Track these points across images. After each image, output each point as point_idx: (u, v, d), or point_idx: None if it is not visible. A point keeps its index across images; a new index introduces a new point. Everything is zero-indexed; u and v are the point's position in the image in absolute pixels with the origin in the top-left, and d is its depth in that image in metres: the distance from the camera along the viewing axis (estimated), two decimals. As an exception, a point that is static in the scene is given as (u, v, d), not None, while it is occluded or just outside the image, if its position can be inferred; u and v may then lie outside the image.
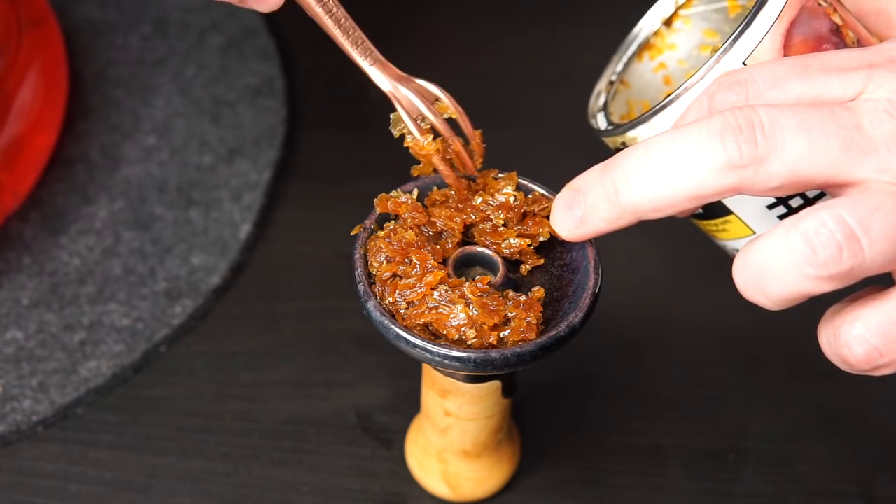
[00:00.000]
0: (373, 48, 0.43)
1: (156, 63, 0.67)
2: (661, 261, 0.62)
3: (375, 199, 0.43)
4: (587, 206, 0.39)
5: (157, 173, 0.63)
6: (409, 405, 0.55)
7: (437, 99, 0.43)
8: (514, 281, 0.43)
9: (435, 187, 0.44)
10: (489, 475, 0.52)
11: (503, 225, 0.43)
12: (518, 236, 0.43)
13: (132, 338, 0.57)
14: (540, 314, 0.41)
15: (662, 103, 0.41)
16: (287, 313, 0.59)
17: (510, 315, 0.41)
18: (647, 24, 0.48)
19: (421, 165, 0.44)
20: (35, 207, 0.61)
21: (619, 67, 0.48)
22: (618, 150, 0.44)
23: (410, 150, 0.43)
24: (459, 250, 0.43)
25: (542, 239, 0.43)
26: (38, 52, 0.62)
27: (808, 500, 0.53)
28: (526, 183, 0.45)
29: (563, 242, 0.44)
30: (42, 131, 0.61)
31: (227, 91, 0.66)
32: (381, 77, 0.43)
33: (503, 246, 0.43)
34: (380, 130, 0.67)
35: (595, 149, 0.61)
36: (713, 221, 0.44)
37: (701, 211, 0.44)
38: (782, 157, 0.36)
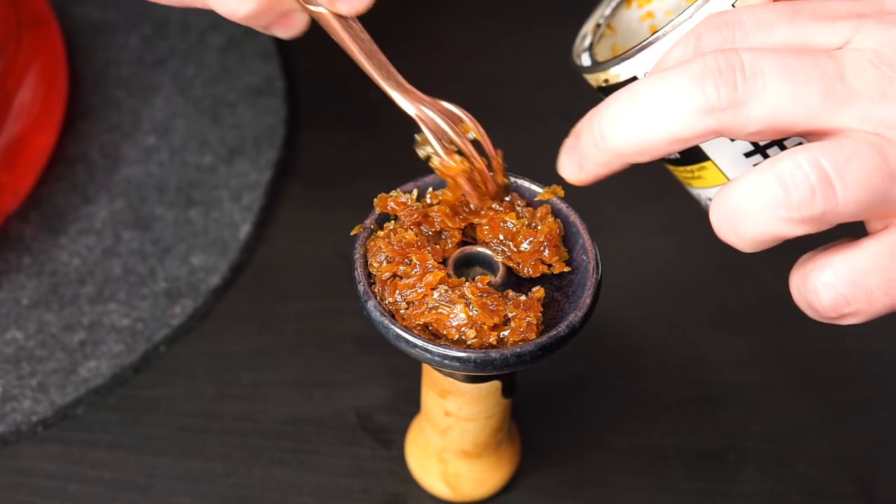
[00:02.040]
0: (396, 73, 0.44)
1: (156, 63, 0.67)
2: (661, 261, 0.62)
3: (375, 199, 0.43)
4: (582, 152, 0.39)
5: (157, 173, 0.63)
6: (409, 405, 0.55)
7: (461, 121, 0.44)
8: (514, 281, 0.43)
9: (431, 188, 0.44)
10: (489, 475, 0.52)
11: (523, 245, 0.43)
12: (537, 261, 0.43)
13: (132, 338, 0.57)
14: (540, 314, 0.41)
15: (648, 40, 0.41)
16: (287, 313, 0.59)
17: (510, 315, 0.41)
18: None
19: (447, 187, 0.44)
20: (35, 207, 0.61)
21: (608, 11, 0.48)
22: (600, 88, 0.44)
23: (436, 171, 0.43)
24: (459, 250, 0.43)
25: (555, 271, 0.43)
26: (38, 52, 0.62)
27: (808, 500, 0.53)
28: (526, 184, 0.45)
29: (564, 243, 0.44)
30: (42, 131, 0.61)
31: (227, 91, 0.66)
32: (406, 102, 0.43)
33: (521, 267, 0.43)
34: (380, 130, 0.67)
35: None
36: (689, 167, 0.44)
37: (678, 156, 0.44)
38: (762, 101, 0.36)
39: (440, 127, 0.43)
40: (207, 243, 0.60)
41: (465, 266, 0.43)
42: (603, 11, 0.48)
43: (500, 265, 0.43)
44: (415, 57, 0.71)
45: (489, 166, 0.43)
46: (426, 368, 0.47)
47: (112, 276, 0.59)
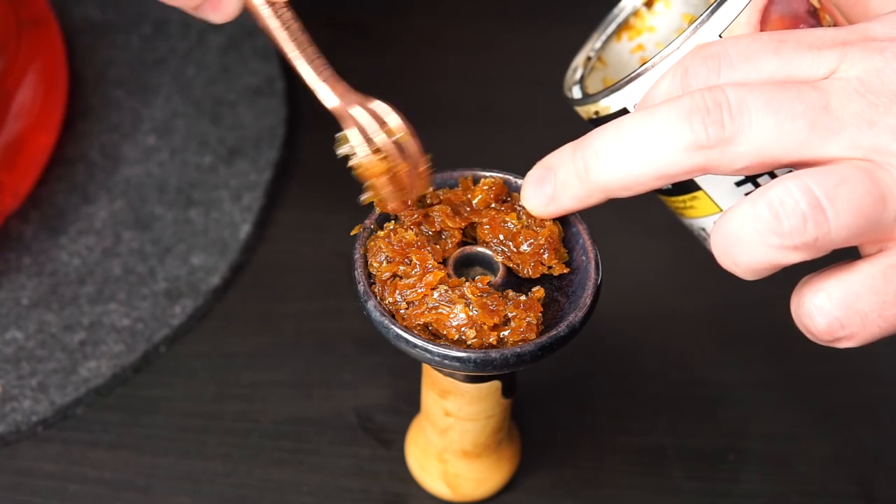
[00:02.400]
0: (328, 67, 0.43)
1: (156, 63, 0.67)
2: (661, 261, 0.62)
3: (376, 200, 0.43)
4: (558, 184, 0.39)
5: (157, 173, 0.63)
6: (409, 405, 0.55)
7: (385, 122, 0.42)
8: (514, 281, 0.43)
9: (432, 188, 0.44)
10: (489, 475, 0.52)
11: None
12: (536, 262, 0.43)
13: (132, 338, 0.57)
14: (540, 314, 0.41)
15: (637, 71, 0.41)
16: (287, 313, 0.59)
17: (510, 315, 0.41)
18: (628, 3, 0.48)
19: (370, 186, 0.43)
20: (35, 207, 0.61)
21: (598, 45, 0.48)
22: (591, 120, 0.44)
23: (354, 171, 0.43)
24: (459, 250, 0.43)
25: (556, 273, 0.43)
26: (38, 52, 0.62)
27: (808, 500, 0.53)
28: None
29: (564, 243, 0.44)
30: (42, 131, 0.61)
31: (227, 91, 0.66)
32: (329, 94, 0.42)
33: (520, 268, 0.43)
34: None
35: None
36: (681, 198, 0.44)
37: (669, 186, 0.44)
38: (749, 138, 0.36)
39: (361, 125, 0.42)
40: (207, 243, 0.60)
41: (465, 266, 0.43)
42: (593, 44, 0.48)
43: (500, 265, 0.43)
44: (415, 57, 0.71)
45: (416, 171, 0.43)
46: (426, 368, 0.47)
47: (112, 276, 0.59)
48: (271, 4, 0.42)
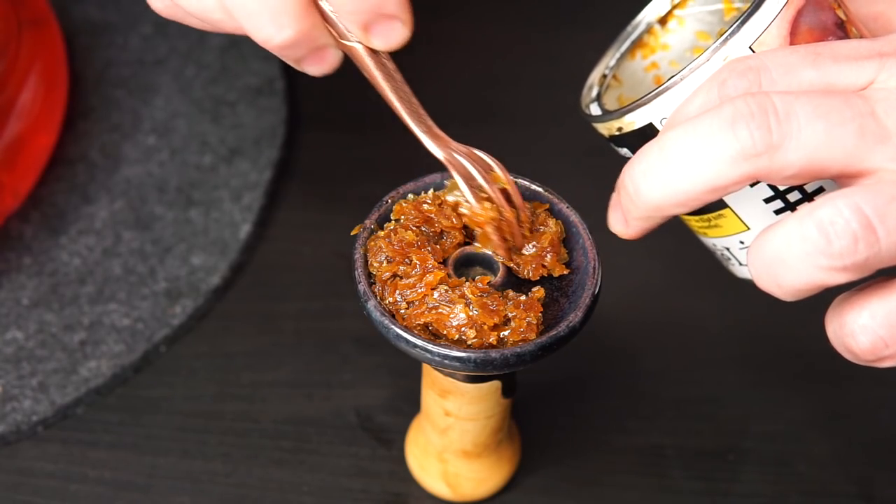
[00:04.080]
0: (426, 116, 0.43)
1: (156, 63, 0.67)
2: (661, 261, 0.62)
3: (395, 206, 0.43)
4: (623, 208, 0.38)
5: (157, 173, 0.63)
6: (409, 405, 0.55)
7: (491, 169, 0.43)
8: (514, 281, 0.43)
9: (432, 188, 0.44)
10: (489, 475, 0.52)
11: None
12: (537, 264, 0.43)
13: (132, 338, 0.57)
14: (540, 314, 0.41)
15: (665, 85, 0.40)
16: (287, 313, 0.59)
17: (510, 315, 0.41)
18: (642, 21, 0.48)
19: (479, 235, 0.43)
20: (35, 207, 0.61)
21: (612, 62, 0.47)
22: (612, 137, 0.43)
23: (464, 219, 0.43)
24: (459, 250, 0.43)
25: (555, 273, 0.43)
26: (38, 52, 0.62)
27: (808, 500, 0.53)
28: (526, 184, 0.45)
29: (564, 244, 0.44)
30: (42, 131, 0.61)
31: (227, 91, 0.66)
32: (435, 146, 0.42)
33: (522, 269, 0.43)
34: (380, 130, 0.67)
35: (595, 151, 0.61)
36: (706, 216, 0.44)
37: None
38: (798, 143, 0.35)
39: (470, 173, 0.42)
40: (207, 243, 0.60)
41: (465, 266, 0.44)
42: (608, 62, 0.47)
43: (500, 265, 0.43)
44: (415, 57, 0.71)
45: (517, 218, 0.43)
46: (426, 368, 0.47)
47: (112, 276, 0.59)
48: (374, 55, 0.42)
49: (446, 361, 0.40)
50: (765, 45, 0.39)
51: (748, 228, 0.43)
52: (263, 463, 0.54)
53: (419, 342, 0.40)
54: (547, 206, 0.44)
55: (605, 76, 0.47)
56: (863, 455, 0.55)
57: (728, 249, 0.44)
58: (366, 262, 0.43)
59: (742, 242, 0.43)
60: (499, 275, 0.43)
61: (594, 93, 0.46)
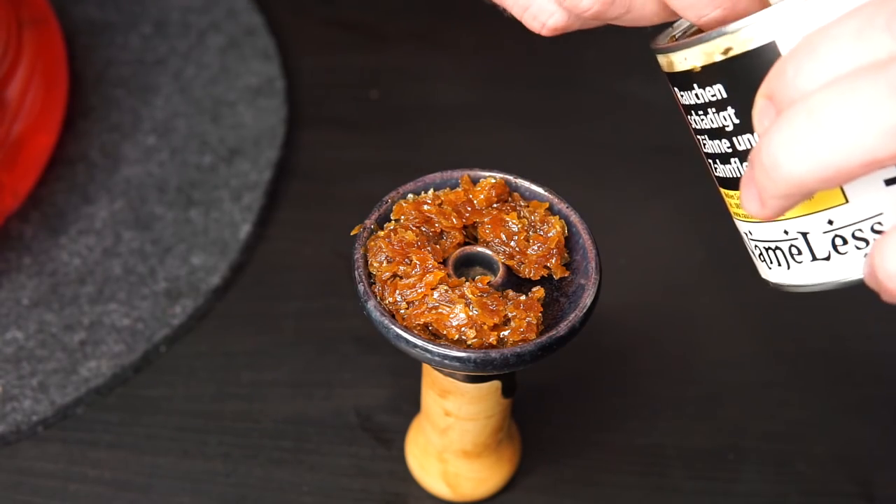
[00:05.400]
0: None
1: (156, 63, 0.67)
2: (662, 261, 0.62)
3: (395, 206, 0.43)
4: (758, 185, 0.33)
5: (157, 173, 0.63)
6: (409, 405, 0.55)
7: None
8: (514, 281, 0.43)
9: (432, 188, 0.45)
10: (489, 475, 0.52)
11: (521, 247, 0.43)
12: (538, 265, 0.43)
13: (132, 338, 0.57)
14: (540, 314, 0.41)
15: None
16: (287, 313, 0.59)
17: (510, 315, 0.41)
18: None
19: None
20: (35, 207, 0.61)
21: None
22: (708, 66, 0.34)
23: None
24: (459, 250, 0.43)
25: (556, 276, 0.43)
26: (38, 52, 0.62)
27: (808, 500, 0.53)
28: (526, 184, 0.45)
29: (565, 243, 0.44)
30: (42, 131, 0.61)
31: (227, 91, 0.66)
32: None
33: (523, 269, 0.43)
34: (380, 130, 0.67)
35: (595, 151, 0.61)
36: None
37: None
38: None
39: None
40: (207, 243, 0.60)
41: (466, 266, 0.44)
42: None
43: (500, 265, 0.43)
44: (416, 57, 0.71)
45: None
46: (426, 368, 0.47)
47: (112, 275, 0.59)
48: None
49: (446, 361, 0.40)
50: None
51: (846, 201, 0.35)
52: (263, 463, 0.54)
53: (419, 342, 0.40)
54: (547, 205, 0.44)
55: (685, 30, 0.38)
56: (863, 455, 0.55)
57: (805, 236, 0.36)
58: (366, 262, 0.43)
59: (831, 222, 0.35)
60: (499, 275, 0.43)
61: (680, 28, 0.38)
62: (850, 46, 0.31)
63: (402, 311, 0.41)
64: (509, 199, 0.44)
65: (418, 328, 0.41)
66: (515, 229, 0.43)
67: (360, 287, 0.42)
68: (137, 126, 0.65)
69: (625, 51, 0.69)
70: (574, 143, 0.62)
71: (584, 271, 0.43)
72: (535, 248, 0.43)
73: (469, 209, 0.44)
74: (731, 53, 0.33)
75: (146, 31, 0.69)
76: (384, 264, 0.42)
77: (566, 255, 0.43)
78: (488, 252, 0.43)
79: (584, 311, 0.41)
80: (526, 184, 0.45)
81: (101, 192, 0.62)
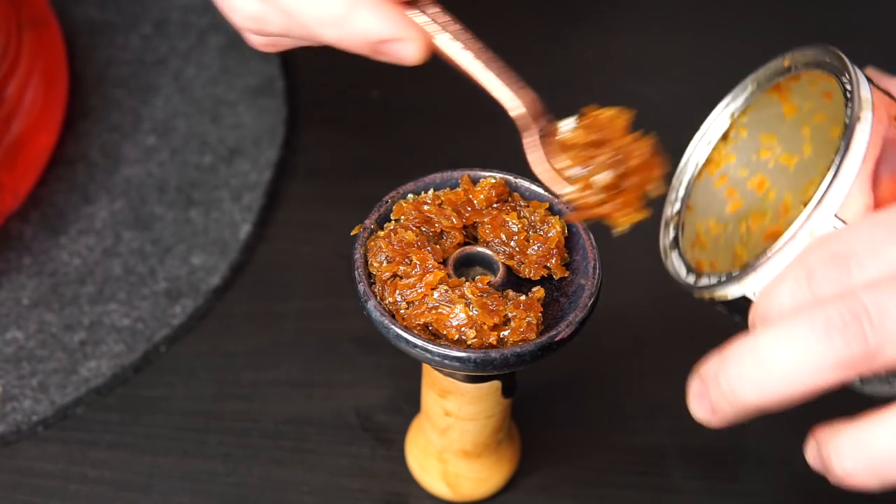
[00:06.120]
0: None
1: (156, 63, 0.67)
2: (662, 260, 0.61)
3: (395, 206, 0.43)
4: (712, 401, 0.38)
5: (157, 173, 0.63)
6: (409, 405, 0.55)
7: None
8: (514, 281, 0.43)
9: (432, 188, 0.45)
10: (489, 475, 0.52)
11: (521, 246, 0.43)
12: (538, 265, 0.43)
13: (132, 338, 0.57)
14: (540, 314, 0.41)
15: (755, 263, 0.39)
16: (287, 313, 0.59)
17: (510, 315, 0.41)
18: (704, 143, 0.46)
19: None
20: (35, 207, 0.61)
21: (682, 192, 0.46)
22: (701, 298, 0.43)
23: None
24: (459, 250, 0.43)
25: (556, 276, 0.43)
26: (38, 52, 0.62)
27: (808, 500, 0.53)
28: (526, 184, 0.45)
29: (565, 244, 0.44)
30: (42, 131, 0.61)
31: (227, 91, 0.66)
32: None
33: (523, 268, 0.43)
34: (380, 130, 0.67)
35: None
36: None
37: None
38: None
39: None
40: (207, 243, 0.60)
41: (465, 266, 0.44)
42: (677, 193, 0.46)
43: (500, 265, 0.43)
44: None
45: None
46: (426, 368, 0.47)
47: (112, 275, 0.59)
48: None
49: (446, 361, 0.40)
50: (850, 209, 0.38)
51: None
52: (263, 463, 0.54)
53: (419, 342, 0.40)
54: (547, 205, 0.44)
55: (678, 213, 0.46)
56: (863, 455, 0.55)
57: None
58: (366, 262, 0.43)
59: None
60: (499, 275, 0.43)
61: (671, 234, 0.46)
62: (785, 292, 0.37)
63: (402, 311, 0.41)
64: (509, 199, 0.44)
65: (418, 328, 0.41)
66: (515, 229, 0.43)
67: (360, 287, 0.42)
68: (137, 126, 0.65)
69: (625, 51, 0.69)
70: (574, 143, 0.62)
71: (584, 271, 0.43)
72: (535, 248, 0.43)
73: (469, 209, 0.44)
74: (716, 301, 0.42)
75: (146, 31, 0.69)
76: (384, 264, 0.42)
77: (566, 255, 0.43)
78: (488, 252, 0.43)
79: (585, 311, 0.41)
80: (526, 184, 0.45)
81: (101, 192, 0.62)
